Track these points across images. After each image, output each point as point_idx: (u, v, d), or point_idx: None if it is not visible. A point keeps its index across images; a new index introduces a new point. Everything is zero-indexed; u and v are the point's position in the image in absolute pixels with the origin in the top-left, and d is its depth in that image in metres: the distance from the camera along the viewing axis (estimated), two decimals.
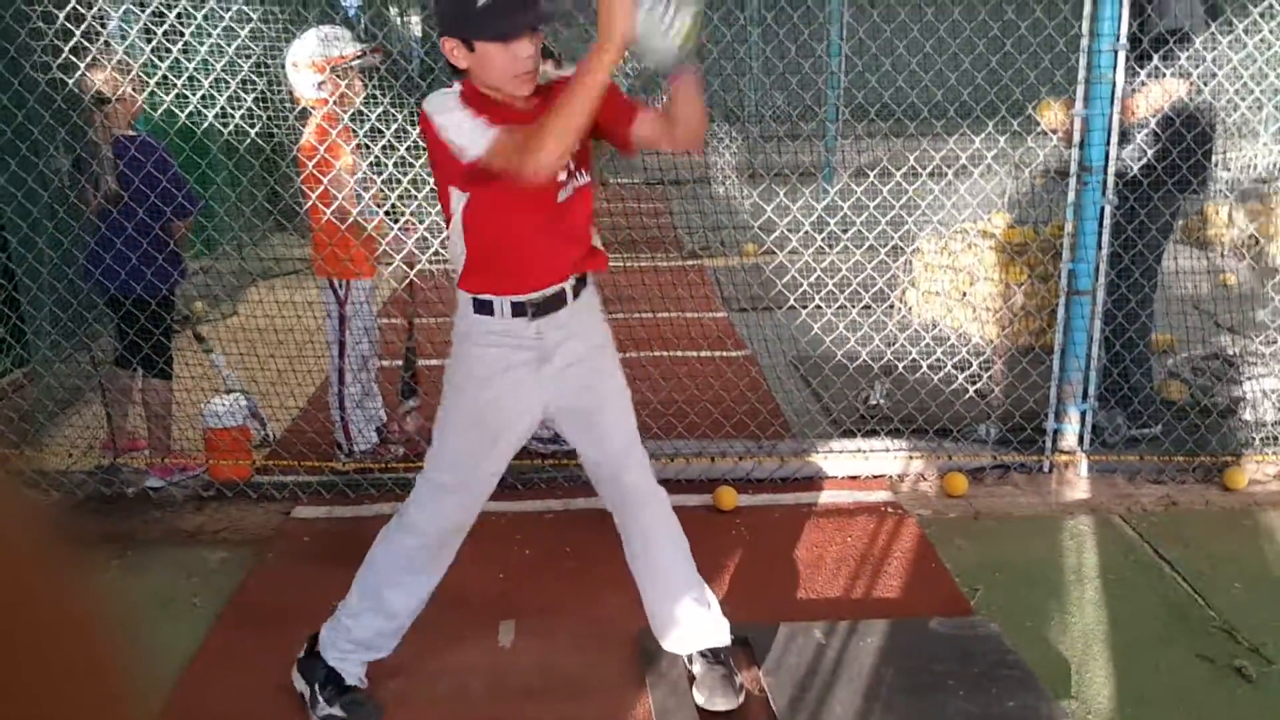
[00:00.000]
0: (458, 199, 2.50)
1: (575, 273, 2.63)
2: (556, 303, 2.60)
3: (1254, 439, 4.47)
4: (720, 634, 2.91)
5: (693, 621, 2.87)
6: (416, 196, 4.63)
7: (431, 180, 2.78)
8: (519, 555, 3.78)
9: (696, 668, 2.89)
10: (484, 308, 2.57)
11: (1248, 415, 4.67)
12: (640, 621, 3.04)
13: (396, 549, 2.77)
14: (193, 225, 4.46)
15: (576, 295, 2.64)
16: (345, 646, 2.84)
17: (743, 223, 8.29)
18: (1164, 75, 4.06)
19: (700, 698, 2.83)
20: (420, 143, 4.57)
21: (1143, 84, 4.09)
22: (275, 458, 4.50)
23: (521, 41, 2.34)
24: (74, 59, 4.01)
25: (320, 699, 2.82)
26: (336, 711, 2.81)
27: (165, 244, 4.25)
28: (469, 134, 2.35)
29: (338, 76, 4.10)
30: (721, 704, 2.81)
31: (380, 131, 4.45)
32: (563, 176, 2.49)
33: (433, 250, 4.57)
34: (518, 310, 2.56)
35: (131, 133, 4.21)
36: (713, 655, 2.89)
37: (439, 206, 2.66)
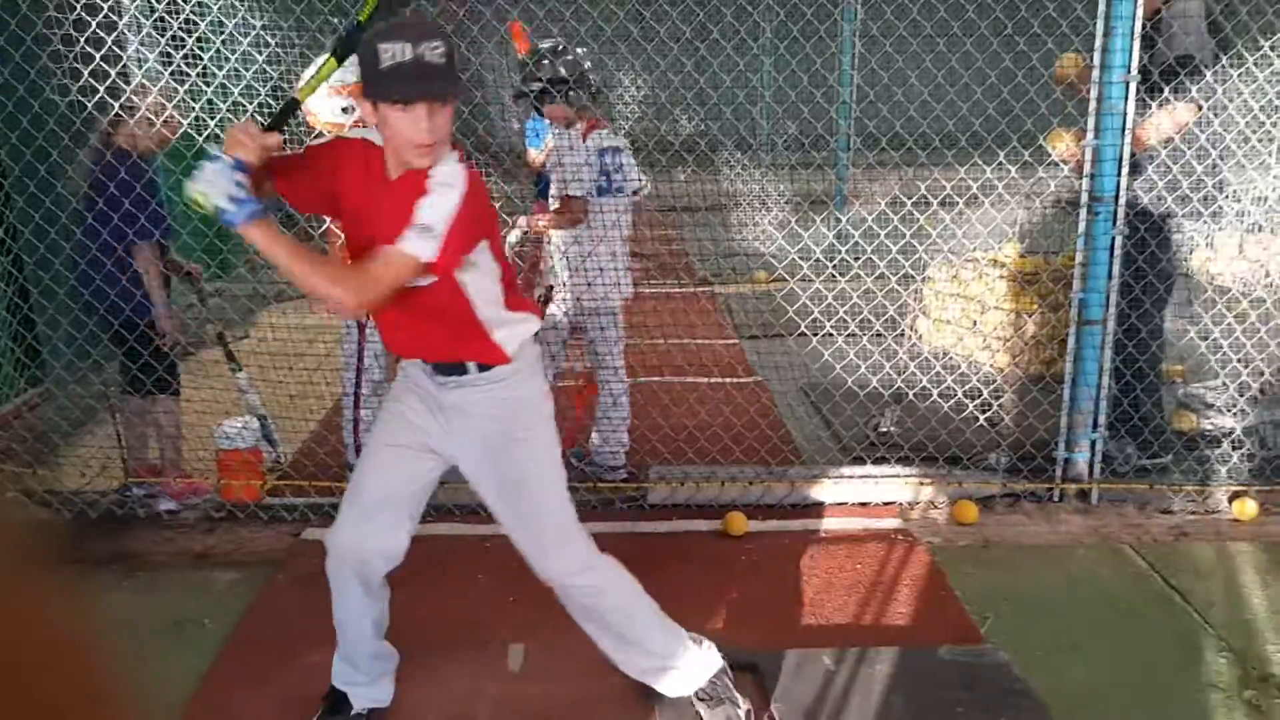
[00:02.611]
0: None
1: (428, 358, 2.64)
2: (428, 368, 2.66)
3: (1265, 470, 4.46)
4: (708, 665, 2.90)
5: (672, 670, 2.87)
6: None
7: None
8: (529, 580, 3.77)
9: (700, 709, 2.88)
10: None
11: (1258, 446, 4.65)
12: None
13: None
14: (157, 252, 4.29)
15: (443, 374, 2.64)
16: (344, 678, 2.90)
17: (755, 249, 8.32)
18: (1174, 106, 4.08)
19: None
20: None
21: (1151, 113, 4.11)
22: (286, 479, 4.51)
23: (419, 109, 2.29)
24: (94, 83, 4.06)
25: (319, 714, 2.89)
26: None
27: (127, 266, 4.17)
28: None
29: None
30: None
31: None
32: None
33: None
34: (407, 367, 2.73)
35: (125, 149, 4.16)
36: (708, 694, 2.88)
37: None
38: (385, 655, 2.92)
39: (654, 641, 2.84)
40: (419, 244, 2.30)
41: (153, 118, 4.13)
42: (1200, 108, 4.11)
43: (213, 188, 2.29)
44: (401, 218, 2.33)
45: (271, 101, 4.87)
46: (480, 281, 2.52)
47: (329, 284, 2.32)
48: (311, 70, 2.73)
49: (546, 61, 4.29)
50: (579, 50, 4.42)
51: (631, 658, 2.86)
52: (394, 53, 2.26)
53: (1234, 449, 4.46)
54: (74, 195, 4.23)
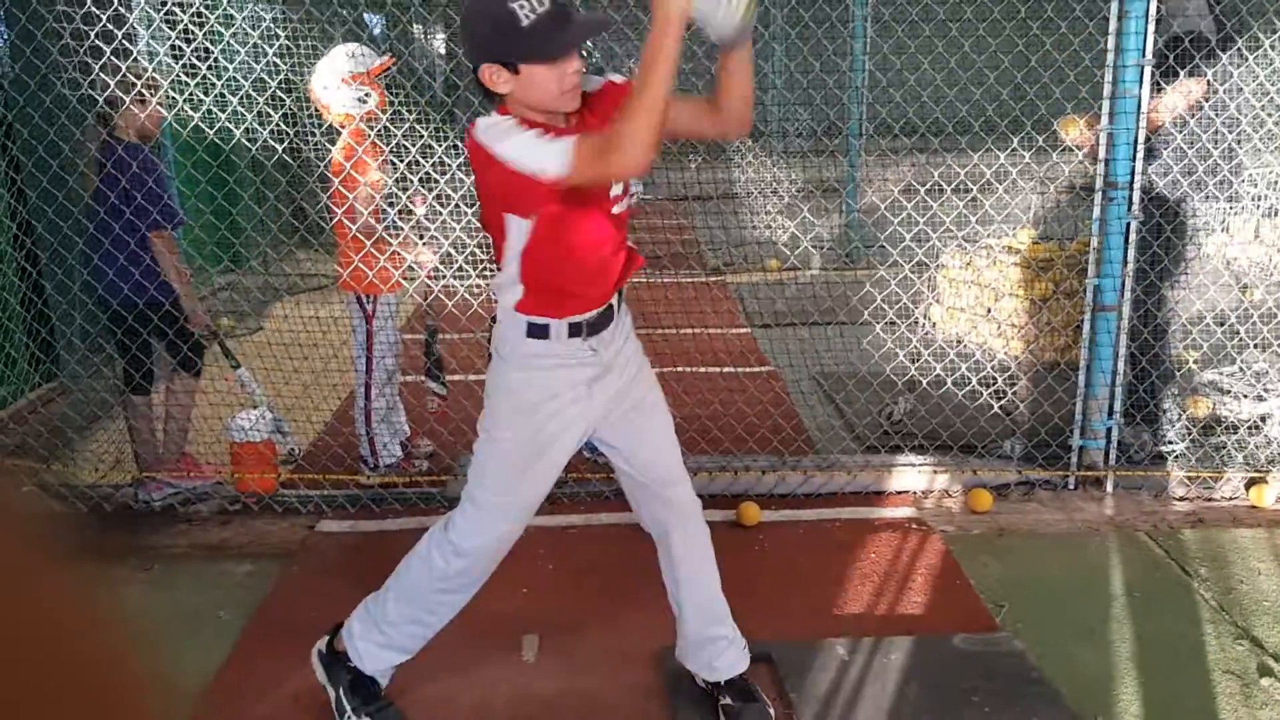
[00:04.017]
0: (517, 227, 2.42)
1: (621, 285, 2.62)
2: (608, 318, 2.58)
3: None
4: (745, 659, 2.90)
5: (727, 650, 2.86)
6: (441, 212, 4.66)
7: (471, 211, 2.71)
8: (543, 570, 3.79)
9: (727, 699, 2.86)
10: (539, 332, 2.51)
11: (1274, 431, 4.63)
12: (663, 638, 3.04)
13: (440, 570, 2.72)
14: (172, 241, 4.30)
15: (619, 307, 2.65)
16: (377, 652, 2.82)
17: (767, 238, 8.31)
18: (1182, 82, 4.05)
19: None
20: (447, 159, 4.62)
21: (1159, 89, 4.07)
22: (300, 472, 4.52)
23: (570, 59, 2.27)
24: (104, 76, 4.06)
25: (347, 707, 2.83)
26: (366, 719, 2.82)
27: (149, 252, 4.18)
28: (543, 152, 2.24)
29: (377, 86, 4.15)
30: None
31: (406, 148, 4.49)
32: (618, 190, 2.47)
33: (457, 266, 4.60)
34: (574, 331, 2.52)
35: (135, 142, 4.18)
36: (742, 686, 2.87)
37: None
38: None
39: (723, 608, 2.86)
40: None
41: (146, 94, 4.12)
42: (1209, 83, 4.08)
43: None
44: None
45: (282, 95, 4.86)
46: None
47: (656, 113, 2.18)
48: None
49: None
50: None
51: (704, 628, 2.85)
52: (530, 6, 2.21)
53: (1250, 434, 4.43)
54: (83, 189, 4.23)
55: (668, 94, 2.17)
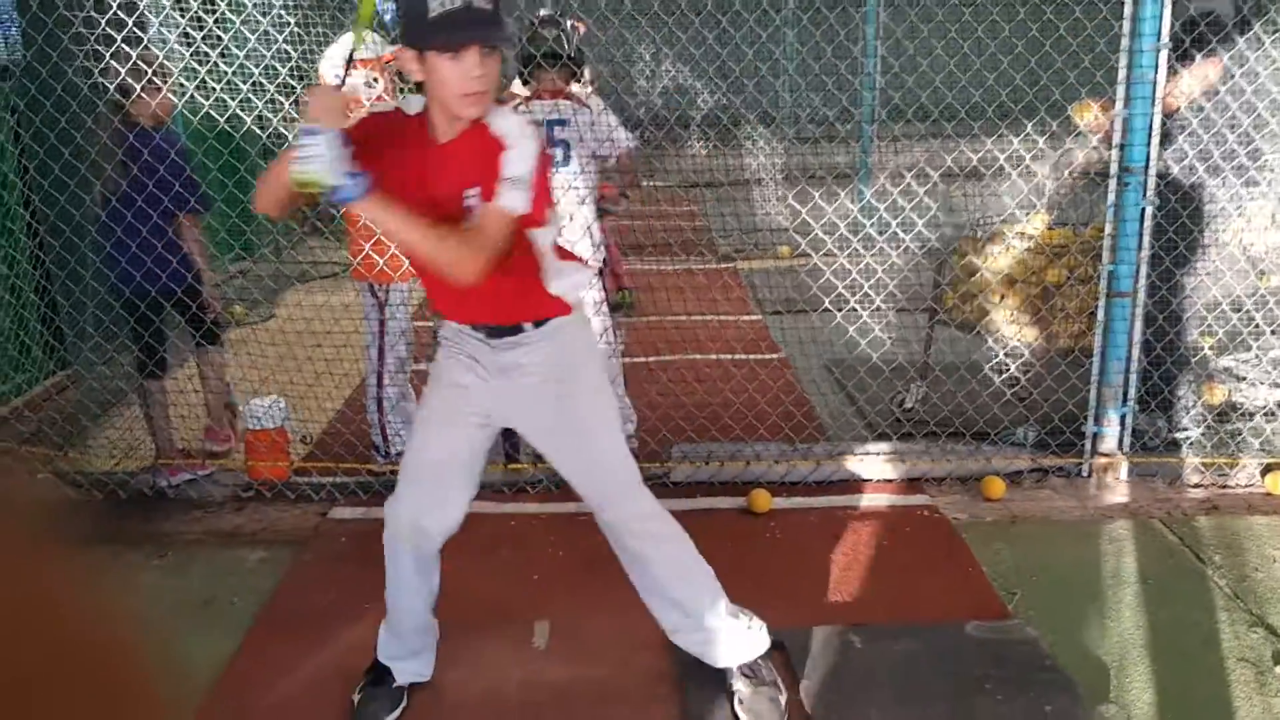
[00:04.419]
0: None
1: (480, 321, 2.63)
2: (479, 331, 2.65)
3: None
4: (750, 646, 2.88)
5: (721, 640, 2.84)
6: None
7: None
8: (553, 557, 3.79)
9: (738, 684, 2.84)
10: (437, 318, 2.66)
11: None
12: None
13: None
14: (198, 221, 4.40)
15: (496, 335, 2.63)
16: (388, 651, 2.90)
17: (778, 224, 8.28)
18: (1199, 63, 4.01)
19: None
20: None
21: (1174, 72, 4.04)
22: (312, 459, 4.53)
23: (470, 55, 2.26)
24: (115, 64, 4.06)
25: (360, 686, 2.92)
26: (355, 695, 2.89)
27: (163, 238, 4.21)
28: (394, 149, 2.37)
29: (386, 73, 4.14)
30: None
31: None
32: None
33: None
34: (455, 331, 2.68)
35: (148, 128, 4.20)
36: (752, 672, 2.86)
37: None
38: (430, 630, 2.93)
39: (704, 606, 2.80)
40: (514, 198, 2.30)
41: (158, 82, 4.13)
42: (1223, 64, 4.04)
43: (324, 164, 2.13)
44: (466, 177, 2.34)
45: (293, 82, 4.86)
46: (545, 234, 2.51)
47: (452, 250, 2.29)
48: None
49: (542, 33, 4.22)
50: (569, 23, 4.35)
51: (681, 623, 2.82)
52: (443, 0, 2.24)
53: (1266, 421, 4.40)
54: (96, 177, 4.23)
55: (426, 241, 2.29)
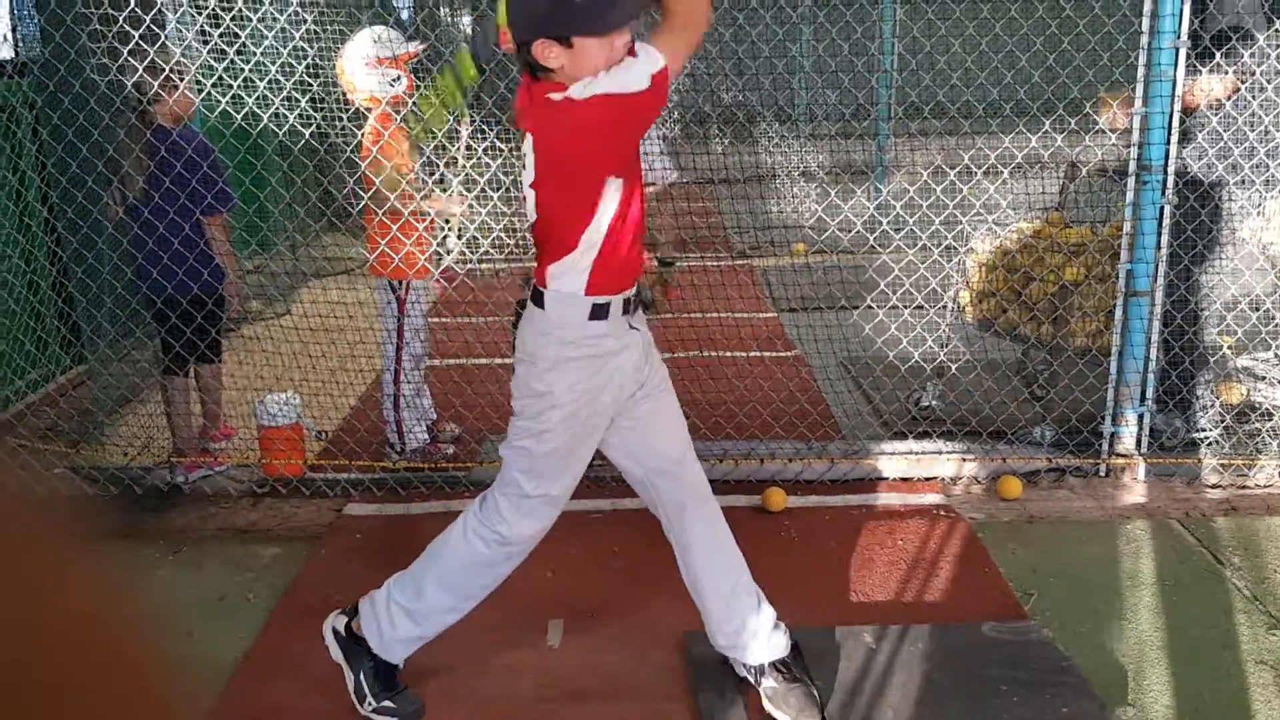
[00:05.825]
0: (613, 189, 2.44)
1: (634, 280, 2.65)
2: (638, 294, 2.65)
3: None
4: (784, 642, 2.87)
5: (760, 634, 2.82)
6: (466, 195, 4.65)
7: (529, 194, 2.64)
8: (567, 554, 3.79)
9: (769, 681, 2.82)
10: (600, 312, 2.52)
11: None
12: (687, 622, 3.03)
13: (485, 557, 2.72)
14: (227, 224, 4.44)
15: None
16: (405, 640, 2.83)
17: (793, 222, 8.26)
18: (1225, 73, 3.99)
19: (785, 716, 2.78)
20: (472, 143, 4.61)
21: (1194, 71, 4.01)
22: (327, 455, 4.54)
23: (622, 33, 2.35)
24: (132, 61, 4.07)
25: (368, 693, 2.83)
26: (388, 704, 2.82)
27: (191, 245, 4.25)
28: (631, 68, 2.35)
29: (406, 71, 4.15)
30: None
31: (432, 133, 4.48)
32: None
33: (482, 251, 4.59)
34: (625, 307, 2.57)
35: (173, 127, 4.22)
36: (785, 668, 2.84)
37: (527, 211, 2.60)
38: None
39: (748, 599, 2.82)
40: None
41: (176, 80, 4.15)
42: (1243, 81, 4.01)
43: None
44: None
45: (309, 79, 4.86)
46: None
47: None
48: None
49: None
50: None
51: (724, 615, 2.82)
52: None
53: None
54: (113, 174, 4.24)
55: None
